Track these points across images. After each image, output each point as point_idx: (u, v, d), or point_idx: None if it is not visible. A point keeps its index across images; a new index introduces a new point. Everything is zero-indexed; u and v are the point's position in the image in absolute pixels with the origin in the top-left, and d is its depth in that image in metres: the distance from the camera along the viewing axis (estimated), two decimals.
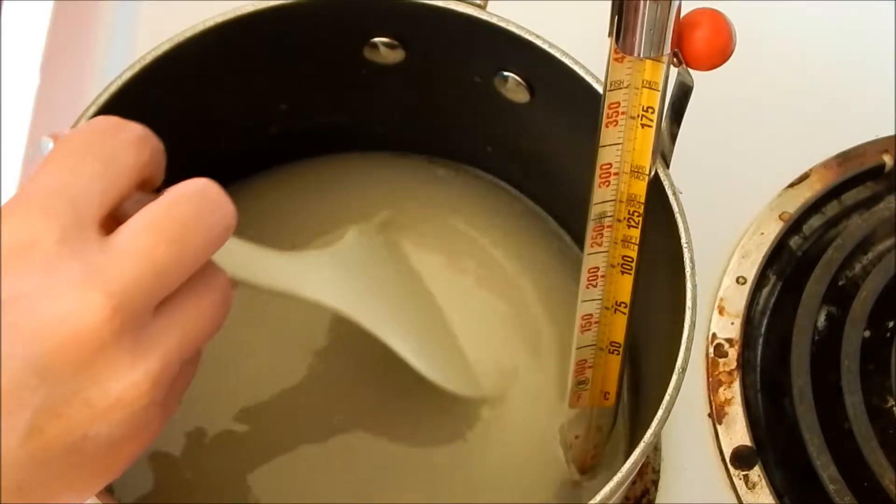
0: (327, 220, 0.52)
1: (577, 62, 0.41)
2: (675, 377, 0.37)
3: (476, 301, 0.51)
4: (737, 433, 0.50)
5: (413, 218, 0.52)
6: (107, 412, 0.30)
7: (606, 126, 0.37)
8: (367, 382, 0.48)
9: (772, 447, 0.51)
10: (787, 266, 0.55)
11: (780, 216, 0.55)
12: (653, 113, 0.37)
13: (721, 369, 0.52)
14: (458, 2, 0.42)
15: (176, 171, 0.49)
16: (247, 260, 0.39)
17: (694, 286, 0.38)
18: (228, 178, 0.52)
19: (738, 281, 0.54)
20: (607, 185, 0.39)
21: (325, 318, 0.49)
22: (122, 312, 0.30)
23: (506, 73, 0.44)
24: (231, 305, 0.34)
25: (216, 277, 0.33)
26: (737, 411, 0.51)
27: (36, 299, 0.29)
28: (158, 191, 0.33)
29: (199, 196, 0.32)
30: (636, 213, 0.39)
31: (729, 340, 0.53)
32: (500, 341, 0.50)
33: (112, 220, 0.31)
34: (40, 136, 0.34)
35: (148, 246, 0.30)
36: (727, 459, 0.50)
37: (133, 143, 0.33)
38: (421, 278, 0.50)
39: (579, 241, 0.41)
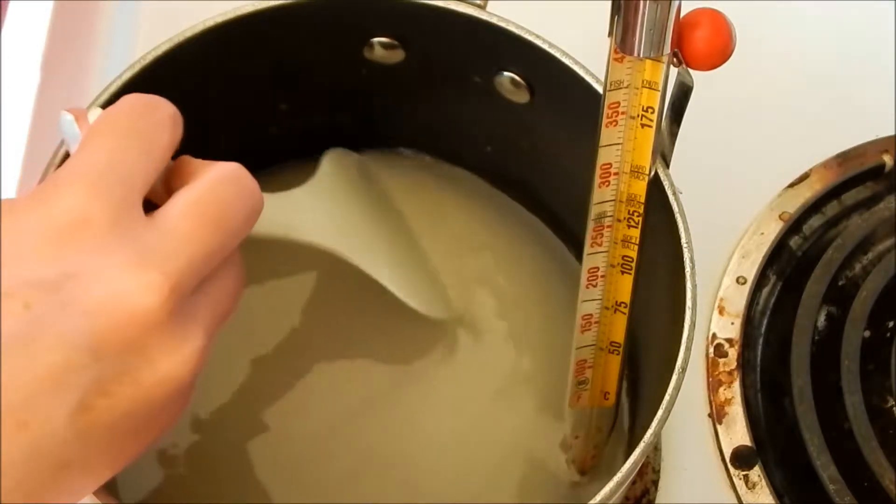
0: None
1: (577, 62, 0.41)
2: (675, 377, 0.37)
3: (471, 303, 0.51)
4: (737, 433, 0.50)
5: (410, 222, 0.52)
6: (152, 389, 0.30)
7: (606, 126, 0.37)
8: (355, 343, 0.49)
9: (772, 447, 0.51)
10: (787, 266, 0.55)
11: (780, 216, 0.55)
12: (653, 113, 0.37)
13: (721, 369, 0.52)
14: (458, 2, 0.42)
15: None
16: None
17: (694, 286, 0.38)
18: None
19: (738, 281, 0.54)
20: (607, 185, 0.39)
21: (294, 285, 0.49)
22: (176, 292, 0.30)
23: (506, 73, 0.44)
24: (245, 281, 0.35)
25: (235, 254, 0.34)
26: (737, 411, 0.51)
27: (91, 278, 0.29)
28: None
29: (236, 179, 0.33)
30: (636, 213, 0.39)
31: (729, 340, 0.53)
32: (499, 355, 0.50)
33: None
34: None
35: (194, 227, 0.31)
36: (727, 459, 0.50)
37: (168, 121, 0.33)
38: (389, 198, 0.50)
39: (577, 244, 0.41)
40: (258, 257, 0.45)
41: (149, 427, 0.32)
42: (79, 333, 0.29)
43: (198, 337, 0.31)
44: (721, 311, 0.53)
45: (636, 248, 0.40)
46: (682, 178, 0.40)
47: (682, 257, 0.39)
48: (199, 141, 0.48)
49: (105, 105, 0.40)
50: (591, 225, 0.39)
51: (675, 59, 0.35)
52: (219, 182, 0.33)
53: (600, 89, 0.37)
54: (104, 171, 0.31)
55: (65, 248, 0.29)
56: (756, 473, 0.50)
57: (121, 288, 0.29)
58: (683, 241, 0.39)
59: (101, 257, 0.30)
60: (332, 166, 0.47)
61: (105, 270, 0.29)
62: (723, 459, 0.50)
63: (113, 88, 0.40)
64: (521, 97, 0.45)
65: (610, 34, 0.35)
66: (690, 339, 0.38)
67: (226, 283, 0.34)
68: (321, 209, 0.44)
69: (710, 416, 0.51)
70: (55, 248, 0.29)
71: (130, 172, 0.31)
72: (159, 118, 0.33)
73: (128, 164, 0.31)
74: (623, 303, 0.41)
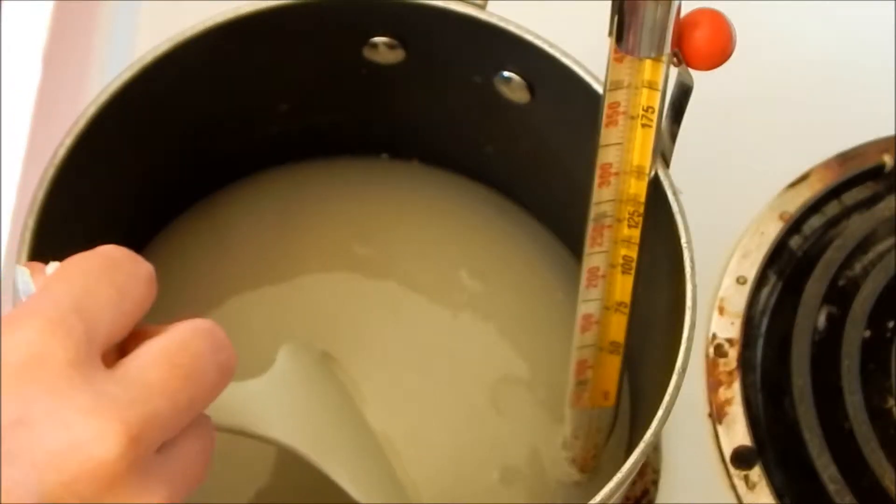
0: (330, 222, 0.52)
1: (577, 62, 0.41)
2: (675, 377, 0.37)
3: (467, 311, 0.51)
4: (737, 433, 0.50)
5: (406, 227, 0.52)
6: None
7: (606, 126, 0.37)
8: None
9: (772, 447, 0.51)
10: (787, 266, 0.55)
11: (780, 216, 0.55)
12: (653, 113, 0.37)
13: (721, 369, 0.52)
14: (458, 2, 0.42)
15: (177, 171, 0.49)
16: None
17: (694, 286, 0.38)
18: (228, 178, 0.52)
19: (738, 281, 0.54)
20: (607, 185, 0.39)
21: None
22: (138, 445, 0.27)
23: (506, 73, 0.44)
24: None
25: (206, 418, 0.32)
26: (737, 411, 0.51)
27: (42, 425, 0.27)
28: None
29: (211, 334, 0.30)
30: (636, 213, 0.39)
31: (729, 340, 0.53)
32: (496, 357, 0.50)
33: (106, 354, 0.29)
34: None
35: (164, 378, 0.29)
36: (727, 459, 0.50)
37: (146, 278, 0.31)
38: (349, 394, 0.48)
39: (577, 244, 0.41)
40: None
41: None
42: (27, 490, 0.26)
43: (163, 497, 0.28)
44: (721, 311, 0.53)
45: (636, 248, 0.40)
46: (682, 178, 0.40)
47: (682, 257, 0.39)
48: (199, 141, 0.48)
49: (102, 107, 0.40)
50: (591, 225, 0.39)
51: (675, 59, 0.35)
52: (192, 332, 0.30)
53: (600, 89, 0.37)
54: (67, 310, 0.28)
55: (17, 390, 0.27)
56: (756, 473, 0.50)
57: (74, 437, 0.27)
58: (683, 241, 0.39)
59: (55, 401, 0.27)
60: (288, 357, 0.44)
61: (58, 417, 0.27)
62: (723, 459, 0.50)
63: (113, 88, 0.41)
64: (521, 97, 0.45)
65: (610, 34, 0.35)
66: (690, 339, 0.38)
67: (195, 444, 0.31)
68: (278, 403, 0.42)
69: (710, 416, 0.51)
70: (5, 390, 0.27)
71: (96, 317, 0.29)
72: (135, 272, 0.30)
73: (94, 309, 0.29)
74: (623, 303, 0.41)
